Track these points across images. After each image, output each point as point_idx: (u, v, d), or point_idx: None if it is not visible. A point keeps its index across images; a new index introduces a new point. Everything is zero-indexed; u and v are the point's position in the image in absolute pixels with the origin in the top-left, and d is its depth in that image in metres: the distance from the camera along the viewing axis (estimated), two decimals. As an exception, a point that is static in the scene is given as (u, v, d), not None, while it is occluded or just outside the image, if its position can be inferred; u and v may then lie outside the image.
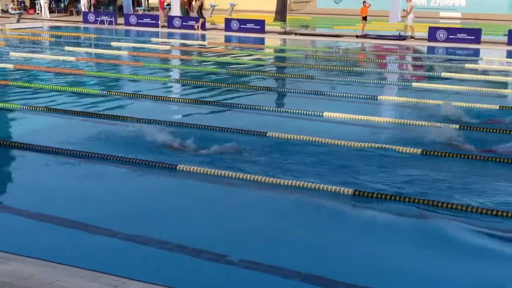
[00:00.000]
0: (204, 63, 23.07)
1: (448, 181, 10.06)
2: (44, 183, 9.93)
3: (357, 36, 31.67)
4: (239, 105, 15.36)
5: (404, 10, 32.17)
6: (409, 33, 30.99)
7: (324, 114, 14.26)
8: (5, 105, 15.00)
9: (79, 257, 7.07)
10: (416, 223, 8.51)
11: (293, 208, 9.02)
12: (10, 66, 21.00)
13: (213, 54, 25.86)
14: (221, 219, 8.63)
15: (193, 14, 38.10)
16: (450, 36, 29.84)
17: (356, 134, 12.71)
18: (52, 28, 35.21)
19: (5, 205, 9.06)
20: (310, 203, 9.08)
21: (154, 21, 35.18)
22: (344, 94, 16.69)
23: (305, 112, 14.46)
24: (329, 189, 9.37)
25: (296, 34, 33.19)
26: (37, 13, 41.49)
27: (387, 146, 11.64)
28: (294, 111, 14.64)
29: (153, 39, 30.07)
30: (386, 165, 10.78)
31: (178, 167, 10.30)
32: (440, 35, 29.99)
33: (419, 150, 11.39)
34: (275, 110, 15.17)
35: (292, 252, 7.56)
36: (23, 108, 14.62)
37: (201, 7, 34.91)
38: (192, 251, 7.38)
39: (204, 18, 34.70)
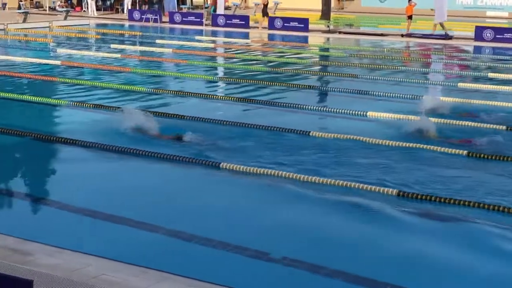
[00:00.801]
0: (247, 62, 23.11)
1: (492, 183, 9.93)
2: (90, 178, 10.08)
3: (402, 35, 31.35)
4: (281, 104, 15.34)
5: (432, 9, 31.74)
6: (443, 31, 30.58)
7: (368, 113, 14.15)
8: (52, 101, 15.27)
9: (124, 252, 7.16)
10: (462, 225, 8.42)
11: (336, 208, 8.98)
12: (57, 62, 21.36)
13: (256, 53, 25.89)
14: (264, 217, 8.64)
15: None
16: (497, 36, 29.32)
17: (400, 134, 12.57)
18: (98, 25, 35.69)
19: (52, 200, 9.24)
20: (354, 203, 9.02)
21: (199, 19, 35.37)
22: (388, 94, 16.53)
23: (348, 111, 14.37)
24: (373, 189, 9.31)
25: (340, 32, 33.02)
26: (84, 11, 42.11)
27: (430, 147, 11.51)
28: (338, 110, 14.55)
29: (197, 37, 30.26)
30: (429, 166, 10.67)
31: (221, 165, 10.34)
32: (487, 34, 29.49)
33: (465, 152, 11.24)
34: (318, 109, 15.11)
35: (335, 252, 7.54)
36: (69, 104, 14.86)
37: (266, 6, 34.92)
38: (235, 248, 7.42)
39: (268, 16, 34.63)
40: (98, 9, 41.70)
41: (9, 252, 6.78)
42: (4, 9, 33.56)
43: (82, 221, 8.31)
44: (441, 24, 30.66)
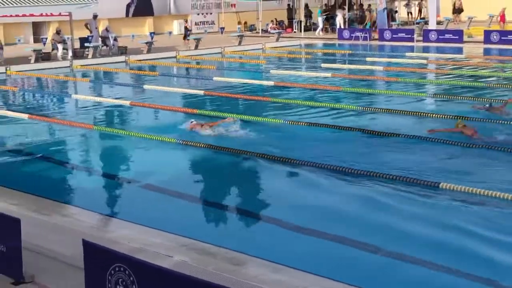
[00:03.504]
0: (460, 77, 22.19)
1: None
2: (306, 196, 10.16)
3: None
4: (499, 122, 14.41)
5: None
6: None
7: None
8: (266, 120, 15.69)
9: (330, 267, 7.16)
10: None
11: None
12: (271, 83, 21.98)
13: (470, 68, 24.79)
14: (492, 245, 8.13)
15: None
16: None
17: None
18: (308, 45, 36.40)
19: (267, 216, 9.45)
20: None
21: (409, 36, 34.74)
22: None
23: None
24: None
25: None
26: (294, 32, 43.22)
27: None
28: None
29: (408, 54, 29.68)
30: None
31: (440, 185, 9.91)
32: None
33: None
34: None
35: None
36: (284, 123, 15.17)
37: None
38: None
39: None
40: (307, 29, 42.49)
41: (231, 266, 6.98)
42: (222, 33, 35.54)
43: (298, 238, 8.40)
44: None
